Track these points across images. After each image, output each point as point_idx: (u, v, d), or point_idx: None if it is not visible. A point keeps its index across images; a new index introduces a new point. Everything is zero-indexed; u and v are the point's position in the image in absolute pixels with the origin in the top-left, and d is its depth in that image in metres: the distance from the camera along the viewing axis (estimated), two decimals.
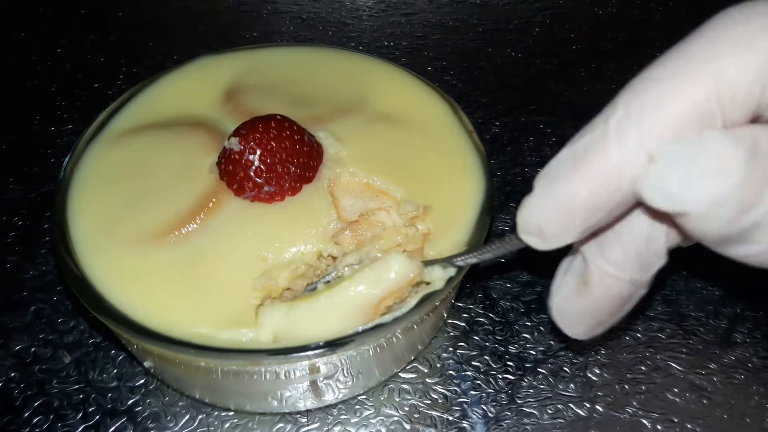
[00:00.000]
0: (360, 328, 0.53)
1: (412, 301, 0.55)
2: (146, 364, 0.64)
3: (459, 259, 0.56)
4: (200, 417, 0.64)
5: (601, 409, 0.66)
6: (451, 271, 0.56)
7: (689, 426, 0.66)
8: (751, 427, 0.66)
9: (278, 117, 0.60)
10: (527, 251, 0.46)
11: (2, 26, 1.08)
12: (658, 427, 0.65)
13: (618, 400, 0.67)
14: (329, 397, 0.63)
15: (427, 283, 0.57)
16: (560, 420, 0.66)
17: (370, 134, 0.66)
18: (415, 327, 0.60)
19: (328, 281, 0.61)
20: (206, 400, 0.64)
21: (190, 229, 0.57)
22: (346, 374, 0.60)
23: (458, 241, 0.60)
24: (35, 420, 0.63)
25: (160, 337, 0.52)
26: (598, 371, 0.69)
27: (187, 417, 0.64)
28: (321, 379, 0.59)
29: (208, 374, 0.57)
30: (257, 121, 0.59)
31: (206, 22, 1.10)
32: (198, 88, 0.72)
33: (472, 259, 0.55)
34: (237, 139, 0.58)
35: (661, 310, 0.74)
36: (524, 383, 0.68)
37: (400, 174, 0.63)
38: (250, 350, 0.52)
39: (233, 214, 0.58)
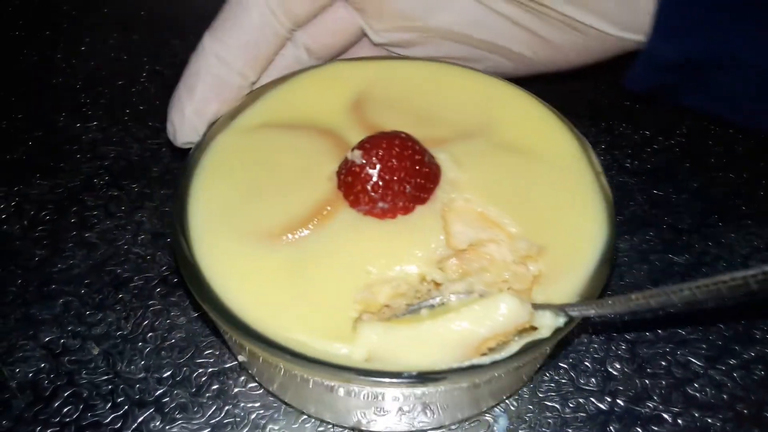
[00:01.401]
0: (455, 365, 0.51)
1: (515, 346, 0.52)
2: (240, 357, 0.65)
3: (574, 309, 0.52)
4: (227, 408, 0.65)
5: (621, 404, 0.67)
6: (561, 321, 0.52)
7: (710, 421, 0.66)
8: None
9: (403, 135, 0.59)
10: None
11: (27, 25, 1.09)
12: (679, 421, 0.66)
13: (638, 395, 0.68)
14: (403, 423, 0.63)
15: (534, 328, 0.53)
16: (581, 414, 0.66)
17: (491, 162, 0.64)
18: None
19: (432, 305, 0.60)
20: (288, 401, 0.65)
21: (303, 233, 0.58)
22: (426, 406, 0.59)
23: (571, 289, 0.55)
24: (65, 410, 0.64)
25: (259, 337, 0.52)
26: (618, 365, 0.70)
27: (214, 408, 0.65)
28: (403, 406, 0.58)
29: (293, 378, 0.57)
30: (382, 137, 0.59)
31: None
32: (328, 93, 0.72)
33: (589, 311, 0.51)
34: (360, 152, 0.58)
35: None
36: (545, 377, 0.69)
37: (518, 208, 0.60)
38: (342, 366, 0.51)
39: (345, 224, 0.58)
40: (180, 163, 0.87)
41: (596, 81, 1.02)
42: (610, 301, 0.49)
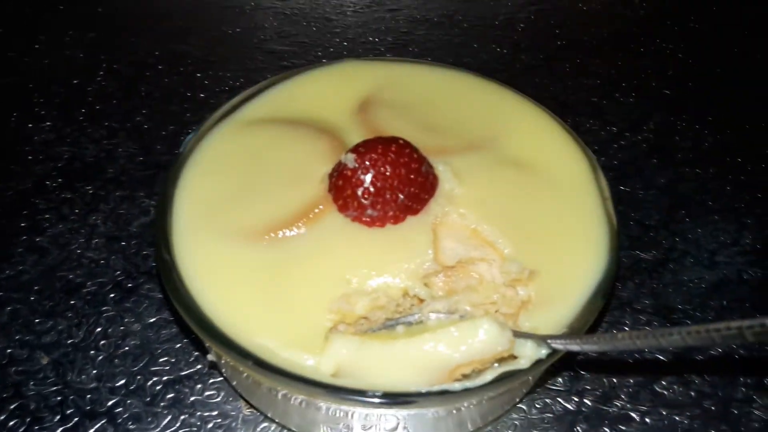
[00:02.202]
0: (425, 389, 0.48)
1: (490, 375, 0.49)
2: (209, 356, 0.63)
3: (557, 341, 0.49)
4: (183, 417, 0.63)
5: (589, 403, 0.66)
6: (543, 353, 0.50)
7: (677, 418, 0.65)
8: (738, 417, 0.65)
9: (400, 141, 0.56)
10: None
11: None
12: (647, 420, 0.65)
13: (606, 394, 0.67)
14: None
15: (514, 357, 0.51)
16: (548, 414, 0.65)
17: (493, 177, 0.61)
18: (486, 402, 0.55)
19: (410, 322, 0.57)
20: (254, 404, 0.63)
21: (286, 234, 0.55)
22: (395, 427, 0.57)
23: (559, 319, 0.53)
24: (11, 423, 0.62)
25: (222, 339, 0.50)
26: (586, 365, 0.68)
27: (170, 417, 0.63)
28: (368, 425, 0.56)
29: (259, 382, 0.55)
30: (378, 141, 0.56)
31: (189, 19, 1.08)
32: (335, 91, 0.69)
33: (573, 346, 0.48)
34: (354, 156, 0.55)
35: (649, 303, 0.74)
36: None
37: (514, 228, 0.57)
38: (303, 378, 0.48)
39: (330, 229, 0.56)
40: (137, 165, 0.85)
41: (564, 77, 1.02)
42: (595, 338, 0.46)
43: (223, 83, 0.97)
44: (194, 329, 0.51)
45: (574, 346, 0.48)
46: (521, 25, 1.11)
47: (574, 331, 0.52)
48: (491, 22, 1.12)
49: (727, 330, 0.37)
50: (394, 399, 0.47)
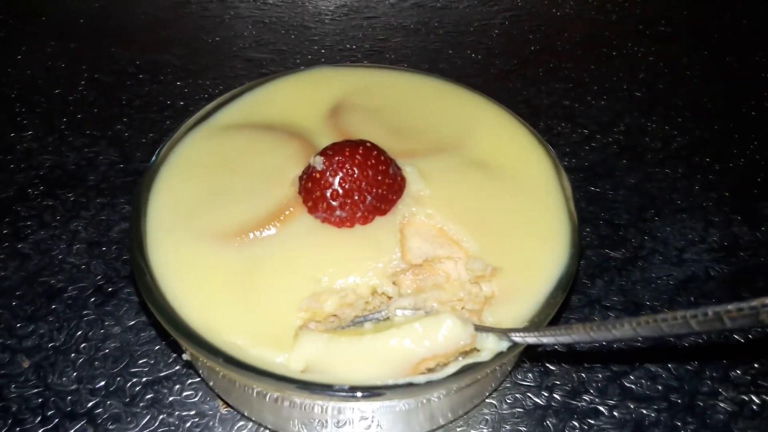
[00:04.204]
0: (391, 382, 0.50)
1: (452, 368, 0.51)
2: (184, 356, 0.64)
3: (517, 334, 0.51)
4: (161, 417, 0.64)
5: (558, 398, 0.68)
6: (504, 345, 0.51)
7: (645, 411, 0.67)
8: (704, 410, 0.67)
9: (368, 144, 0.58)
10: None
11: None
12: (615, 413, 0.67)
13: (575, 389, 0.68)
14: None
15: (478, 350, 0.52)
16: (519, 409, 0.67)
17: (458, 178, 0.63)
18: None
19: (378, 319, 0.59)
20: (231, 403, 0.64)
21: (258, 235, 0.57)
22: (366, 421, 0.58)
23: (521, 313, 0.55)
24: None
25: (192, 337, 0.51)
26: (555, 360, 0.70)
27: (149, 417, 0.64)
28: (341, 420, 0.58)
29: (232, 381, 0.57)
30: (345, 144, 0.58)
31: (169, 28, 1.10)
32: (308, 96, 0.71)
33: (531, 339, 0.50)
34: (322, 158, 0.57)
35: (617, 300, 0.76)
36: None
37: (479, 227, 0.59)
38: (277, 376, 0.50)
39: (301, 230, 0.57)
40: (117, 173, 0.86)
41: (537, 81, 1.04)
42: (552, 330, 0.48)
43: (202, 91, 0.99)
44: (166, 327, 0.53)
45: (533, 339, 0.50)
46: (495, 31, 1.14)
47: (534, 325, 0.53)
48: (466, 28, 1.14)
49: (674, 320, 0.39)
50: (361, 392, 0.49)
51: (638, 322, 0.41)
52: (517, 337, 0.51)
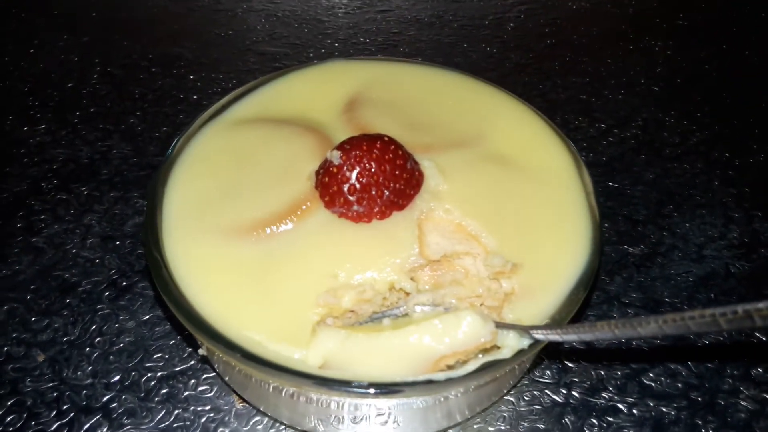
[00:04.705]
0: (410, 379, 0.49)
1: (472, 365, 0.50)
2: (200, 351, 0.64)
3: (538, 331, 0.50)
4: (177, 412, 0.64)
5: (577, 395, 0.67)
6: (525, 343, 0.50)
7: (664, 409, 0.66)
8: (725, 408, 0.66)
9: (385, 138, 0.57)
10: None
11: None
12: (634, 411, 0.66)
13: (594, 386, 0.67)
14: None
15: (498, 348, 0.51)
16: (537, 406, 0.66)
17: (477, 173, 0.62)
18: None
19: (396, 315, 0.58)
20: (246, 398, 0.64)
21: (274, 230, 0.57)
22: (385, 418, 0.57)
23: (542, 310, 0.54)
24: (9, 419, 0.62)
25: (209, 332, 0.51)
26: (574, 358, 0.69)
27: (164, 412, 0.64)
28: (358, 416, 0.57)
29: (249, 375, 0.56)
30: (363, 139, 0.57)
31: (181, 22, 1.09)
32: (323, 90, 0.70)
33: (553, 336, 0.49)
34: (339, 153, 0.56)
35: (636, 297, 0.75)
36: None
37: (498, 222, 0.59)
38: (296, 371, 0.49)
39: (318, 225, 0.57)
40: (131, 166, 0.86)
41: (553, 75, 1.03)
42: (575, 328, 0.47)
43: (215, 85, 0.98)
44: (182, 322, 0.52)
45: (555, 336, 0.49)
46: (511, 25, 1.13)
47: (556, 322, 0.52)
48: (481, 22, 1.13)
49: (702, 317, 0.38)
50: (380, 389, 0.48)
51: (665, 320, 0.40)
52: (539, 335, 0.50)
